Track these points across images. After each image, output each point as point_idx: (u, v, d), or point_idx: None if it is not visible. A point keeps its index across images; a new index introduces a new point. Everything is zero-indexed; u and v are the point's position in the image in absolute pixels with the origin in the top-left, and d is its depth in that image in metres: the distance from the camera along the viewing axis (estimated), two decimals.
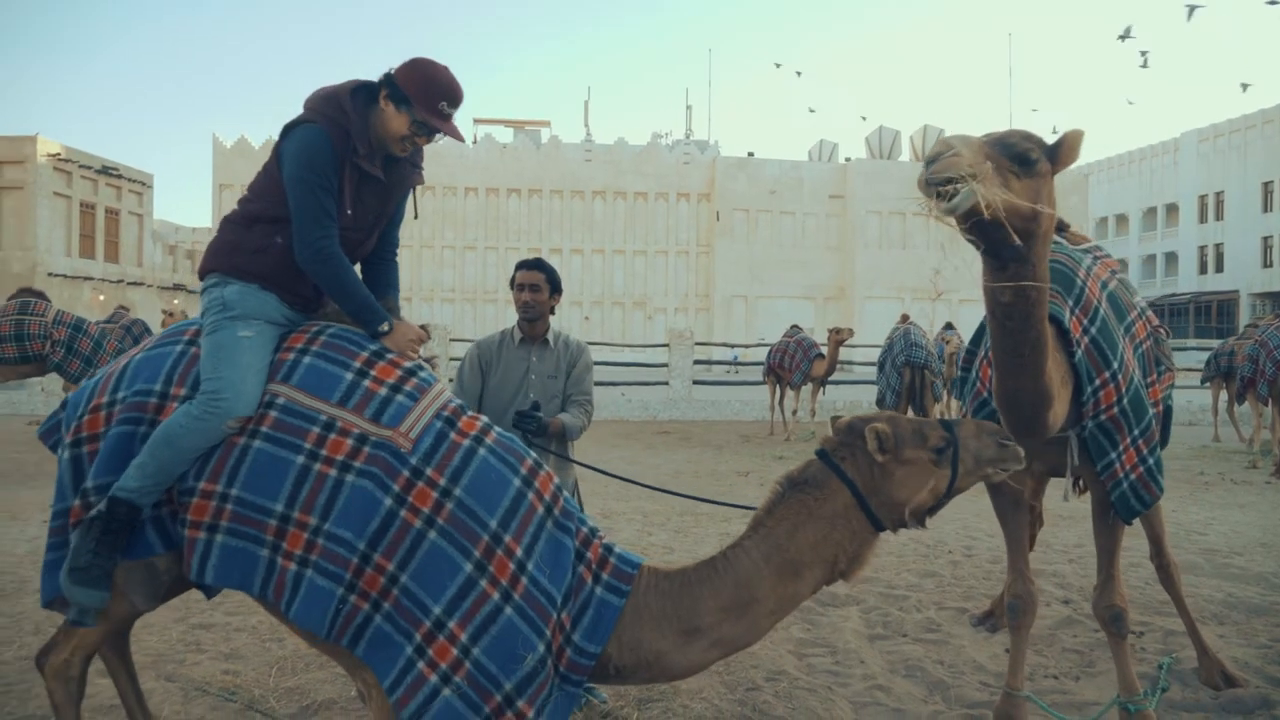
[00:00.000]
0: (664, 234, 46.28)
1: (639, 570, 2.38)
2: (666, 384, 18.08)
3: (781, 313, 39.37)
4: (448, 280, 44.53)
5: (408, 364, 2.43)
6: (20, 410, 15.98)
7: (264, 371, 2.34)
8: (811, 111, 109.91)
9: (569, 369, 3.85)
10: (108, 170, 38.44)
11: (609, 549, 2.40)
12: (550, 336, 3.87)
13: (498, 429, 2.45)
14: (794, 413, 14.36)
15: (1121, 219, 57.13)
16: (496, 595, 2.16)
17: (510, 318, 3.97)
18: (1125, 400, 2.91)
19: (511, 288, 3.88)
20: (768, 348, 15.11)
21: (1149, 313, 3.38)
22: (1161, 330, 3.39)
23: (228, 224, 2.55)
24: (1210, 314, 49.03)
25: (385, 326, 2.45)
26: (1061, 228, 3.60)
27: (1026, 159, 2.31)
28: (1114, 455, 2.92)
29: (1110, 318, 3.03)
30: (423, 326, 3.04)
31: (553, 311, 3.90)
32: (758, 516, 2.44)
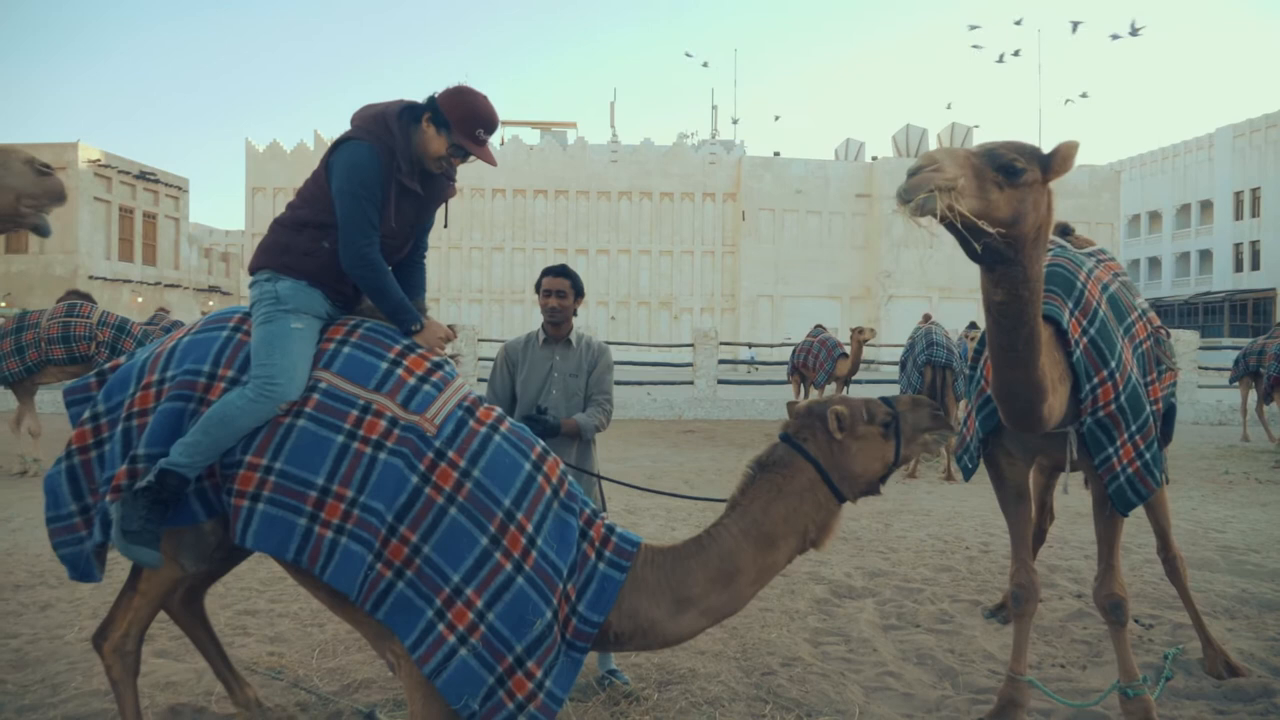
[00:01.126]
0: (690, 234, 46.38)
1: (638, 548, 2.59)
2: (691, 383, 18.23)
3: (807, 312, 39.32)
4: (475, 281, 44.97)
5: (435, 358, 2.66)
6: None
7: (311, 360, 2.55)
8: (776, 118, 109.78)
9: (590, 368, 4.04)
10: (145, 175, 39.30)
11: (610, 529, 2.62)
12: (572, 337, 4.07)
13: (511, 419, 2.68)
14: None
15: (1155, 216, 56.40)
16: (509, 566, 2.37)
17: (537, 318, 4.17)
18: (1123, 398, 3.04)
19: (537, 292, 4.07)
20: (790, 347, 15.21)
21: (1150, 314, 3.50)
22: (1163, 331, 3.51)
23: (278, 226, 2.76)
24: (1246, 312, 48.25)
25: (417, 325, 2.69)
26: (1066, 231, 3.75)
27: (1011, 169, 2.46)
28: (1111, 450, 3.06)
29: (1110, 319, 3.16)
30: (450, 326, 3.28)
31: (575, 314, 4.11)
32: (734, 497, 2.69)
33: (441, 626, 2.33)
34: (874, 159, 47.46)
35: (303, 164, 41.85)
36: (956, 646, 4.25)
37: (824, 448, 2.64)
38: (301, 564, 2.42)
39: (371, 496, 2.39)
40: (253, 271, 2.74)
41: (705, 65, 65.59)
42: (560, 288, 4.01)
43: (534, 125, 51.15)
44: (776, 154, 47.29)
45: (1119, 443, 3.06)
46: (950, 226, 2.37)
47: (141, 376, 2.63)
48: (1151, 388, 3.31)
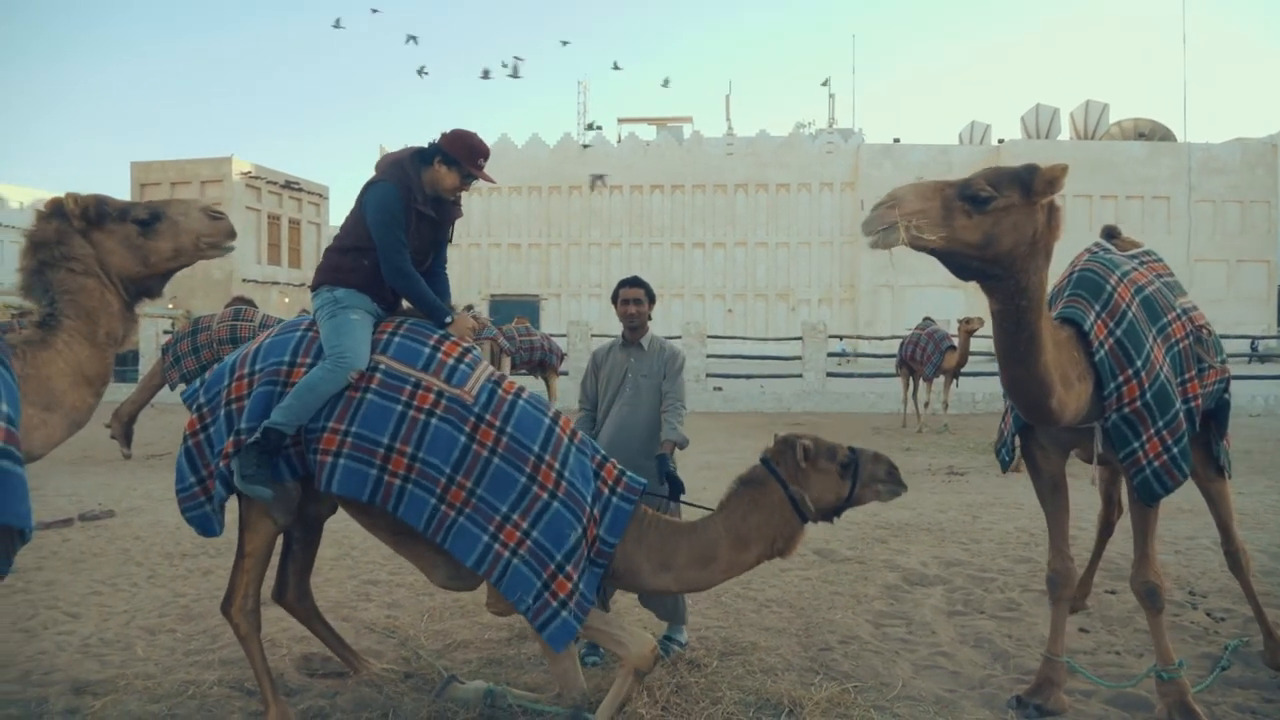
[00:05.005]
0: (807, 225, 45.95)
1: (645, 487, 3.31)
2: (800, 376, 18.33)
3: (930, 302, 38.34)
4: (594, 276, 46.01)
5: (464, 345, 3.33)
6: None
7: (369, 341, 3.21)
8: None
9: (663, 371, 4.42)
10: (290, 185, 42.25)
11: (622, 471, 3.33)
12: (644, 341, 4.48)
13: (529, 390, 3.34)
14: (925, 405, 14.36)
15: None
16: (545, 495, 3.06)
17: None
18: (1149, 395, 3.20)
19: (614, 302, 4.51)
20: (898, 340, 15.11)
21: (1193, 313, 3.60)
22: (1205, 330, 3.60)
23: (330, 252, 3.46)
24: None
25: (449, 319, 3.38)
26: (1112, 235, 3.89)
27: (977, 198, 2.71)
28: (1136, 444, 3.22)
29: (1140, 320, 3.32)
30: (474, 317, 4.07)
31: (650, 318, 4.52)
32: (723, 501, 3.33)
33: (496, 546, 3.02)
34: (1000, 142, 45.66)
35: None
36: (1016, 632, 4.42)
37: (792, 473, 3.23)
38: (375, 503, 3.05)
39: (429, 453, 3.05)
40: (314, 289, 3.43)
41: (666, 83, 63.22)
42: (636, 296, 4.44)
43: (650, 121, 51.80)
44: (896, 140, 46.18)
45: (1144, 437, 3.22)
46: (932, 251, 2.66)
47: (234, 372, 3.30)
48: (1189, 385, 3.43)
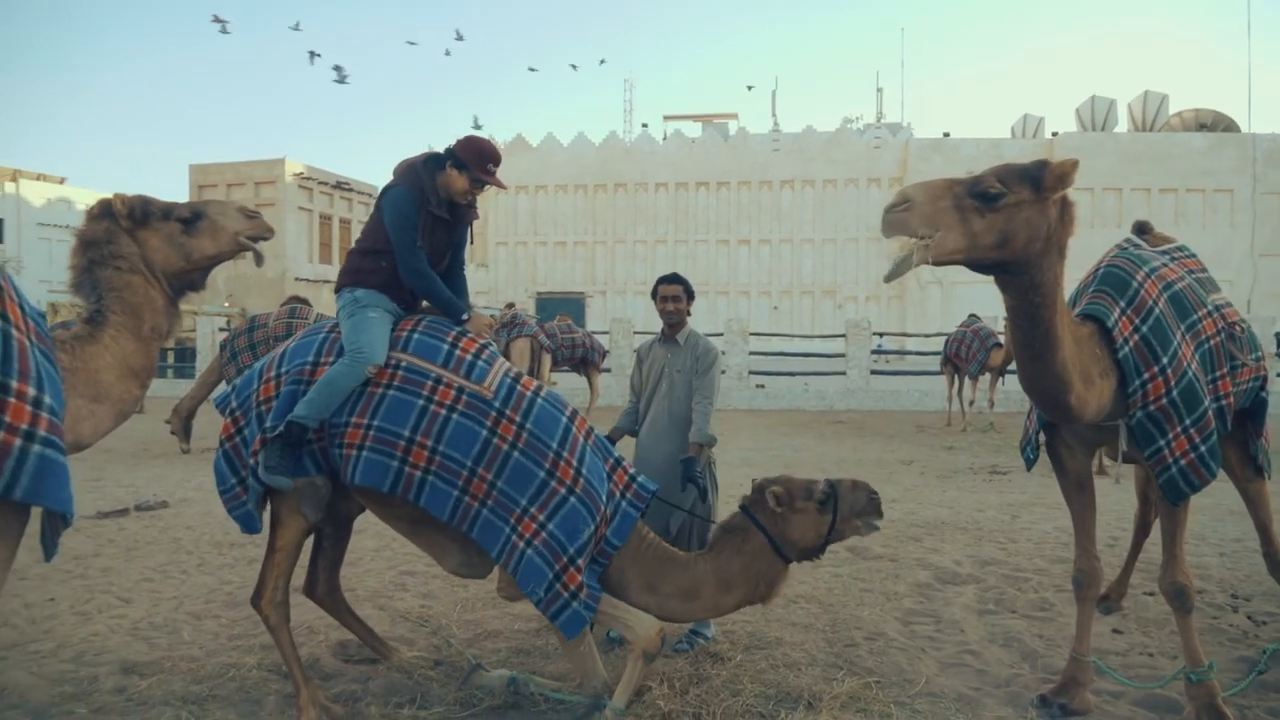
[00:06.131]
0: (854, 221, 45.38)
1: (653, 495, 3.44)
2: (844, 374, 18.20)
3: (981, 299, 37.59)
4: (639, 274, 46.05)
5: (481, 341, 3.43)
6: None
7: (387, 337, 3.30)
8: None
9: (695, 365, 4.47)
10: (341, 185, 43.09)
11: (633, 476, 3.44)
12: (682, 336, 4.54)
13: (547, 388, 3.43)
14: (971, 403, 14.16)
15: None
16: (563, 490, 3.17)
17: (694, 309, 4.68)
18: (1175, 392, 3.16)
19: (654, 299, 4.58)
20: (944, 337, 14.92)
21: (1226, 309, 3.53)
22: (1238, 328, 3.52)
23: (352, 255, 3.59)
24: None
25: (465, 316, 3.47)
26: (1144, 230, 3.83)
27: (987, 195, 2.69)
28: (1162, 443, 3.18)
29: (1168, 316, 3.27)
30: (491, 314, 4.07)
31: (690, 313, 4.59)
32: (709, 544, 3.49)
33: (514, 537, 3.13)
34: (1054, 134, 44.62)
35: None
36: (1047, 632, 4.38)
37: (770, 517, 3.34)
38: (396, 493, 3.15)
39: (450, 447, 3.15)
40: (338, 290, 3.56)
41: (602, 62, 64.81)
42: (674, 294, 4.51)
43: (695, 119, 51.68)
44: (946, 135, 45.44)
45: (1171, 436, 3.17)
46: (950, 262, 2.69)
47: (262, 375, 3.44)
48: (1220, 383, 3.37)
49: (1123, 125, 44.33)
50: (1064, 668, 3.58)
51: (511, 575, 3.15)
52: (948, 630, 4.41)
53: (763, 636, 4.26)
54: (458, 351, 3.32)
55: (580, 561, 3.13)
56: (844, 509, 3.28)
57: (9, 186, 43.44)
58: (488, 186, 3.56)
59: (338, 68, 37.52)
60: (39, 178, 44.90)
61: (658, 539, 3.49)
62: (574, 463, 3.22)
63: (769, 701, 3.46)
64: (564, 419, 3.31)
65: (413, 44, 67.86)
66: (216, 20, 35.62)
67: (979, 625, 4.50)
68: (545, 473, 3.17)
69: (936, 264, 2.71)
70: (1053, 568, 5.58)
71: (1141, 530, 4.83)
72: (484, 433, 3.17)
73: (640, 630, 3.21)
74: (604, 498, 3.25)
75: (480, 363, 3.32)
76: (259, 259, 3.51)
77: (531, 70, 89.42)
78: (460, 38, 55.56)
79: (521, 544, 3.11)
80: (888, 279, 2.70)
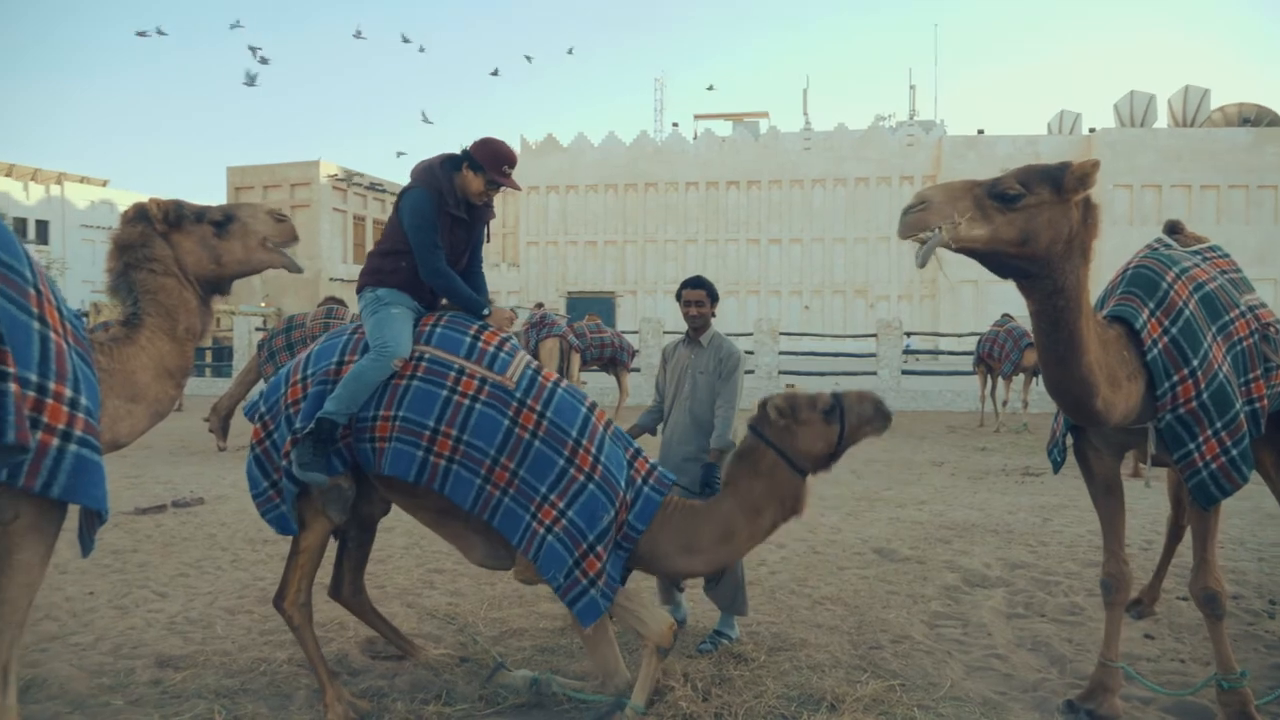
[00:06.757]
0: (886, 219, 44.95)
1: (674, 484, 3.49)
2: (875, 374, 18.06)
3: (1015, 298, 36.87)
4: (670, 273, 46.05)
5: (502, 334, 3.50)
6: None
7: (410, 332, 3.37)
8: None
9: (719, 367, 4.48)
10: (374, 187, 43.57)
11: (654, 466, 3.50)
12: (705, 338, 4.55)
13: (566, 381, 3.50)
14: (1004, 404, 13.99)
15: None
16: (582, 478, 3.22)
17: (725, 309, 4.73)
18: (1205, 395, 3.11)
19: (679, 301, 4.59)
20: (976, 337, 14.74)
21: (1260, 310, 3.46)
22: (1273, 329, 3.45)
23: (372, 256, 3.65)
24: None
25: (486, 311, 3.55)
26: (1174, 230, 3.78)
27: (1006, 196, 2.67)
28: (1192, 446, 3.13)
29: (1198, 318, 3.22)
30: (512, 309, 4.15)
31: (714, 315, 4.60)
32: (726, 477, 3.44)
33: (534, 524, 3.19)
34: (1091, 130, 43.90)
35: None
36: (1076, 636, 4.33)
37: (778, 433, 3.30)
38: (421, 483, 3.23)
39: (474, 436, 3.22)
40: (359, 290, 3.62)
41: (528, 59, 65.49)
42: (698, 298, 4.52)
43: (726, 117, 51.54)
44: (980, 132, 44.88)
45: (1201, 439, 3.12)
46: (971, 251, 2.65)
47: (289, 380, 3.51)
48: (1253, 385, 3.31)
49: (1162, 121, 43.50)
50: (1092, 673, 3.54)
51: (531, 562, 3.19)
52: (974, 634, 4.38)
53: (787, 638, 4.26)
54: (480, 344, 3.39)
55: (600, 549, 3.18)
56: (852, 419, 3.25)
57: (53, 189, 44.50)
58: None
59: (254, 48, 37.66)
60: (82, 181, 45.94)
61: (680, 500, 3.49)
62: (593, 451, 3.28)
63: (791, 703, 3.46)
64: (583, 409, 3.38)
65: (411, 43, 68.26)
66: (252, 50, 36.18)
67: (1007, 629, 4.46)
68: (565, 460, 3.23)
69: (958, 247, 2.69)
70: (1084, 571, 5.51)
71: (1174, 534, 4.76)
72: (506, 422, 3.24)
73: (653, 625, 3.24)
74: (623, 484, 3.31)
75: (502, 354, 3.39)
76: (293, 268, 3.56)
77: (527, 59, 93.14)
78: (529, 58, 55.59)
79: (542, 530, 3.17)
80: (920, 264, 2.68)
